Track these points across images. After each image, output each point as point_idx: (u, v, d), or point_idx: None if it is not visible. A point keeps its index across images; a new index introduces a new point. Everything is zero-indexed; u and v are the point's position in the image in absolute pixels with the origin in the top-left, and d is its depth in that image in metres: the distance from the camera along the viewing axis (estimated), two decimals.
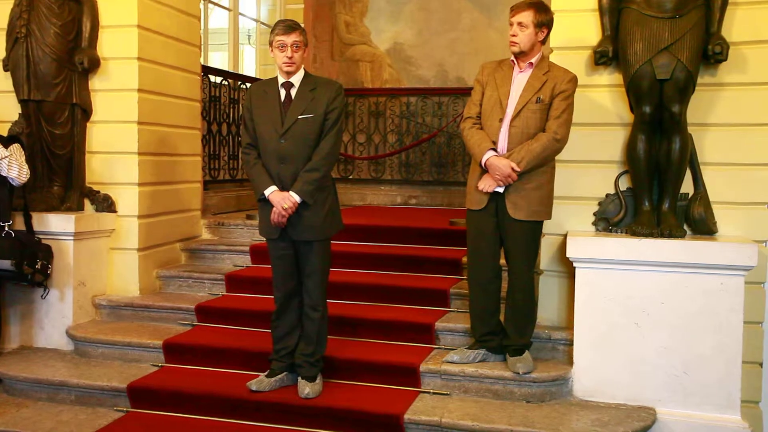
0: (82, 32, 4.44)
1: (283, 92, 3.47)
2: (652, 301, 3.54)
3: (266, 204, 3.45)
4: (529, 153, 3.40)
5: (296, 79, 3.46)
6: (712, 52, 3.56)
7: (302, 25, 3.53)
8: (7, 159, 3.93)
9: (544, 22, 3.45)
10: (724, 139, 3.70)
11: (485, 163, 3.48)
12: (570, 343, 3.72)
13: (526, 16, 3.42)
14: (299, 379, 3.57)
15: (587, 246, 3.63)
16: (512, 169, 3.40)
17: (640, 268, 3.55)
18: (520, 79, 3.53)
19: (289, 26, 3.41)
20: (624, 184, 3.81)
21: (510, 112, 3.49)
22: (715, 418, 3.46)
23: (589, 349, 3.62)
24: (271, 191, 3.42)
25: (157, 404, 3.64)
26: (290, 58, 3.39)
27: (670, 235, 3.57)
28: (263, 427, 3.46)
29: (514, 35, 3.46)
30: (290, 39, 3.37)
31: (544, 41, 3.52)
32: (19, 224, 4.16)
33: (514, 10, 3.48)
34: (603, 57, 3.72)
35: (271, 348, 3.67)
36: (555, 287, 3.94)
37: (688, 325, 3.50)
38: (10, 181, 4.00)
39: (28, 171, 4.06)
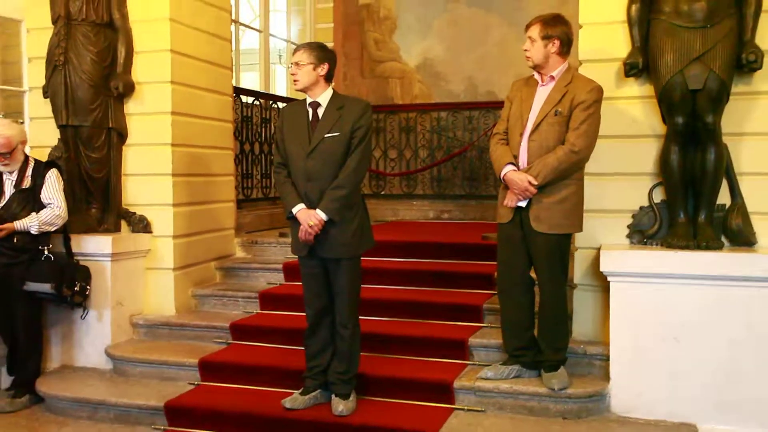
0: (117, 58, 4.55)
1: (310, 111, 3.51)
2: (690, 314, 3.47)
3: (296, 222, 3.48)
4: (545, 166, 3.39)
5: (323, 99, 3.49)
6: (746, 60, 3.49)
7: (324, 45, 3.55)
8: (37, 223, 4.05)
9: (552, 35, 3.44)
10: (761, 148, 3.61)
11: (504, 178, 3.49)
12: (606, 358, 3.66)
13: (533, 30, 3.48)
14: (333, 396, 3.57)
15: (622, 259, 3.59)
16: (530, 182, 3.39)
17: (677, 282, 3.48)
18: (541, 92, 3.53)
19: (298, 46, 3.52)
20: (658, 196, 3.74)
21: (529, 126, 3.50)
22: None
23: (626, 364, 3.56)
24: (298, 209, 3.45)
25: (194, 422, 3.67)
26: (294, 75, 3.47)
27: (707, 248, 3.50)
28: None
29: (526, 49, 3.52)
30: (295, 58, 3.47)
31: (564, 54, 3.49)
32: (58, 245, 4.26)
33: (527, 25, 3.55)
34: (633, 68, 3.68)
35: (305, 366, 3.68)
36: (590, 301, 3.89)
37: (728, 338, 3.42)
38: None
39: (65, 207, 4.16)
